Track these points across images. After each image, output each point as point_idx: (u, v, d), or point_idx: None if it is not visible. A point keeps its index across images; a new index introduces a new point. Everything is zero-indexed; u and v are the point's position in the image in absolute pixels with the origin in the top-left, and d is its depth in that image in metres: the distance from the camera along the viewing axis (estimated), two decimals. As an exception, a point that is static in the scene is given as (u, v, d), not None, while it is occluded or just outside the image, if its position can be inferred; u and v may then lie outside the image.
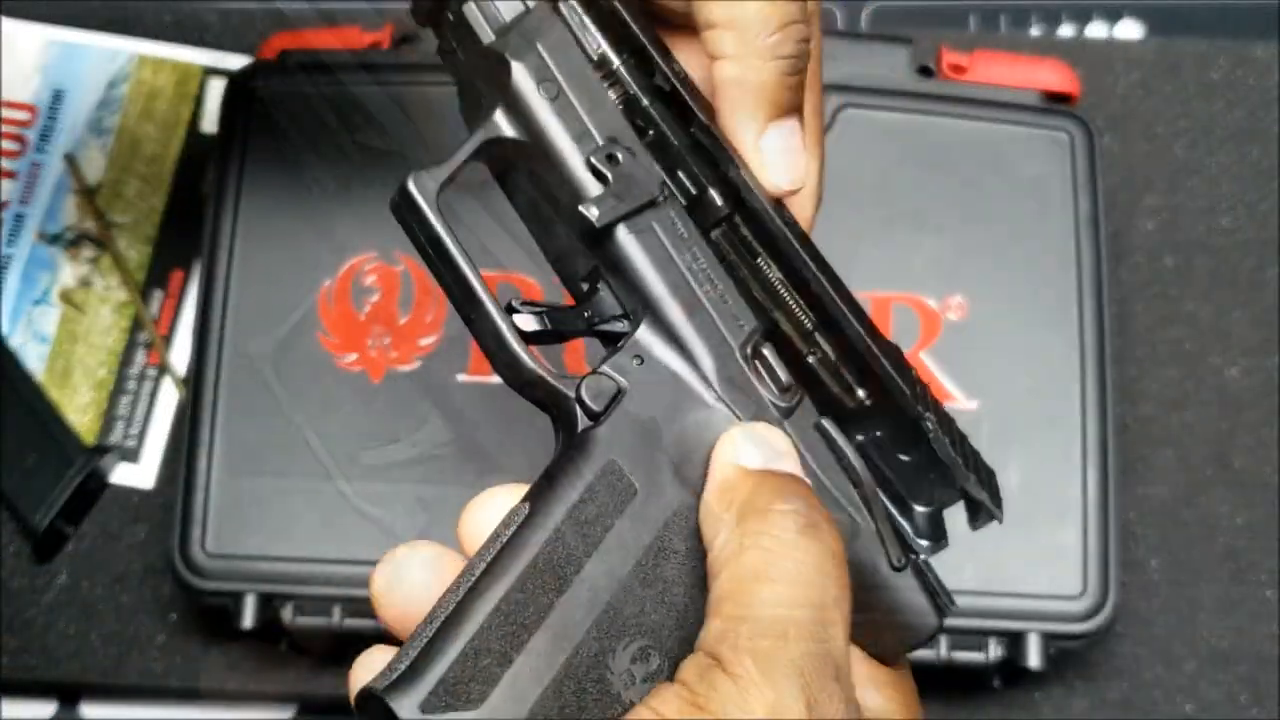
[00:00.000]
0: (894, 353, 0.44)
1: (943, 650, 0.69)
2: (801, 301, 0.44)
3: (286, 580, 0.69)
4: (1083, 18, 0.90)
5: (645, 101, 0.43)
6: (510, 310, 0.41)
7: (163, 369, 0.80)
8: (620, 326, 0.42)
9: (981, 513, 0.44)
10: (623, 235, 0.42)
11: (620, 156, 0.42)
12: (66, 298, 0.80)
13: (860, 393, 0.43)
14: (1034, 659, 0.68)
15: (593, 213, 0.41)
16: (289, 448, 0.70)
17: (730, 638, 0.36)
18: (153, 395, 0.79)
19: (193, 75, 0.85)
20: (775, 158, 0.44)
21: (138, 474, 0.78)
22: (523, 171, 0.43)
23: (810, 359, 0.43)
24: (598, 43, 0.43)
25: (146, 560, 0.76)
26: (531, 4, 0.43)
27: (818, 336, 0.44)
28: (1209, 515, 0.78)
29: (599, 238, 0.42)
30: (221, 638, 0.75)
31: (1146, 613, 0.77)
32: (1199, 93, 0.86)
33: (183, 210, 0.82)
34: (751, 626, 0.36)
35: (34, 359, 0.79)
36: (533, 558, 0.38)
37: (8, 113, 0.83)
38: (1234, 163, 0.84)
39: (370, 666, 0.39)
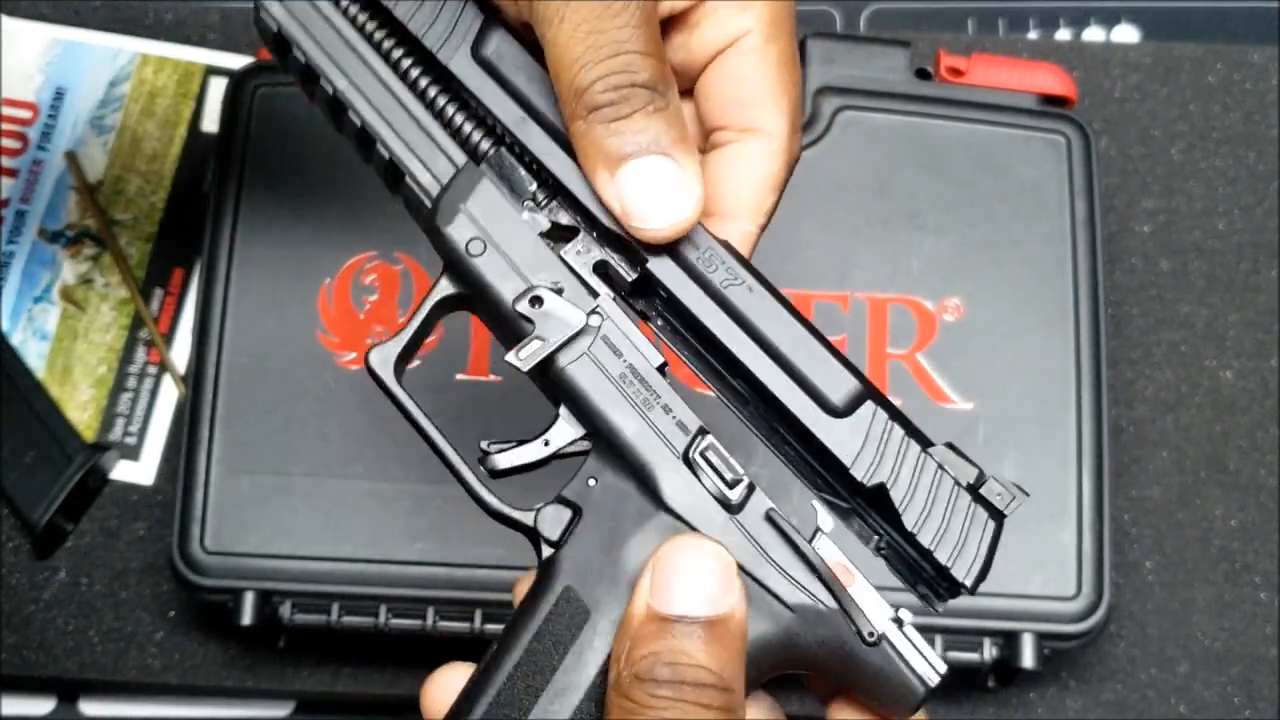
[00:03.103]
0: (854, 403, 0.44)
1: (938, 650, 0.69)
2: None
3: (285, 578, 0.69)
4: (1080, 21, 0.90)
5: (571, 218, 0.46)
6: (484, 454, 0.45)
7: (163, 367, 0.80)
8: (582, 447, 0.45)
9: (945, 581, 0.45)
10: (560, 366, 0.44)
11: (544, 298, 0.44)
12: (67, 295, 0.81)
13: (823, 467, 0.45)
14: (1028, 659, 0.69)
15: (519, 360, 0.44)
16: (288, 446, 0.71)
17: None
18: (153, 393, 0.80)
19: (194, 74, 0.85)
20: (633, 204, 0.43)
21: (137, 471, 0.78)
22: (476, 310, 0.47)
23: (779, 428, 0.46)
24: (531, 183, 0.46)
25: (146, 557, 0.77)
26: (460, 163, 0.46)
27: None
28: (1204, 517, 0.79)
29: (539, 373, 0.44)
30: (220, 635, 0.75)
31: (1141, 614, 0.77)
32: (1195, 96, 0.86)
33: (183, 209, 0.82)
34: None
35: (34, 356, 0.79)
36: (501, 685, 0.42)
37: (9, 111, 0.84)
38: (1230, 166, 0.84)
39: (447, 686, 0.44)
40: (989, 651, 0.69)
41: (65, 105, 0.84)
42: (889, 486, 0.43)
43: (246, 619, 0.69)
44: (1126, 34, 0.90)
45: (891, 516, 0.43)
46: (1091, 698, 0.76)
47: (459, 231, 0.45)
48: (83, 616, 0.76)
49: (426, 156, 0.46)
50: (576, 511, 0.44)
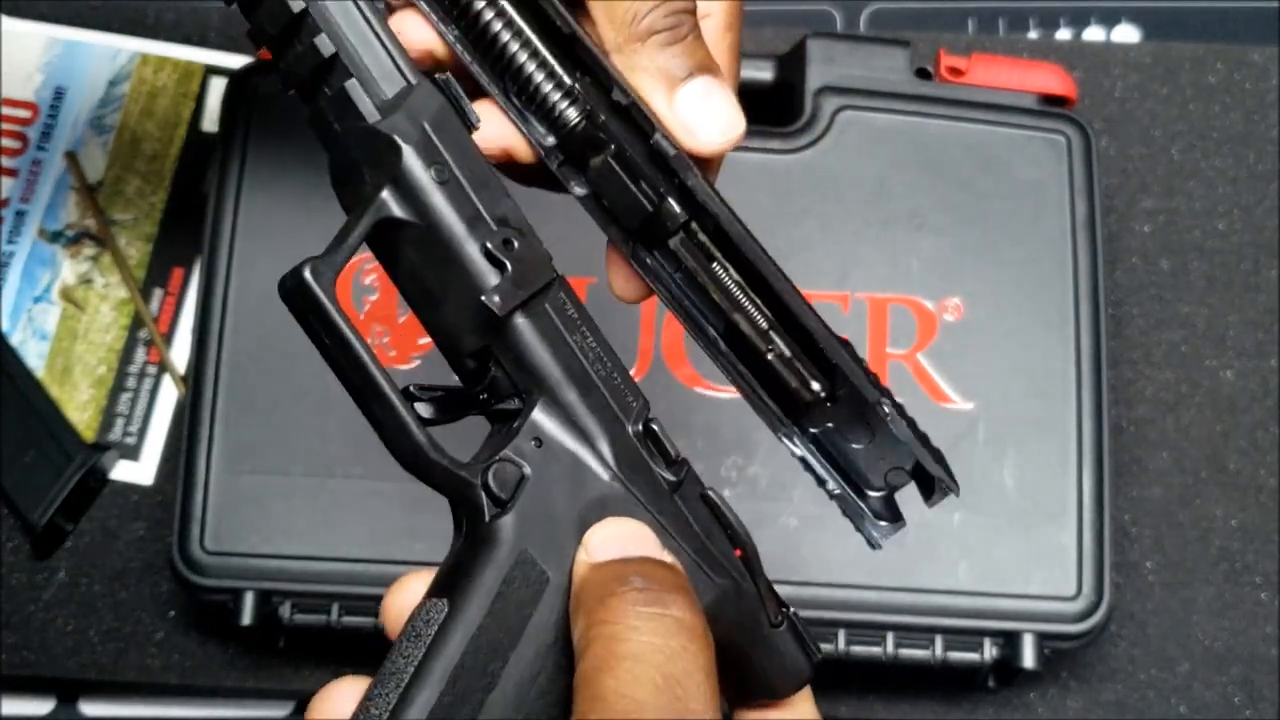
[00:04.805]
0: (847, 346, 0.46)
1: (938, 650, 0.69)
2: (759, 300, 0.45)
3: (285, 578, 0.69)
4: (1080, 21, 0.90)
5: (603, 118, 0.45)
6: (410, 398, 0.40)
7: (162, 367, 0.80)
8: (512, 405, 0.42)
9: (937, 488, 0.46)
10: (518, 320, 0.41)
11: (515, 242, 0.41)
12: (67, 295, 0.81)
13: (816, 386, 0.45)
14: (1029, 660, 0.69)
15: (495, 302, 0.40)
16: (288, 446, 0.71)
17: None
18: (152, 393, 0.80)
19: (194, 74, 0.85)
20: (692, 120, 0.45)
21: (137, 471, 0.78)
22: (406, 249, 0.41)
23: (769, 355, 0.45)
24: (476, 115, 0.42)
25: (145, 557, 0.77)
26: (414, 80, 0.42)
27: (773, 334, 0.46)
28: (1204, 517, 0.79)
29: (495, 323, 0.41)
30: (220, 635, 0.75)
31: (1141, 614, 0.77)
32: (1196, 96, 0.86)
33: (183, 208, 0.82)
34: (600, 715, 0.37)
35: (34, 356, 0.79)
36: (459, 658, 0.39)
37: (9, 110, 0.84)
38: (1230, 166, 0.84)
39: (333, 706, 0.40)
40: (989, 651, 0.69)
41: (65, 105, 0.84)
42: (882, 402, 0.45)
43: (246, 619, 0.69)
44: (1126, 34, 0.90)
45: (883, 430, 0.45)
46: (1091, 698, 0.76)
47: (421, 151, 0.41)
48: (82, 616, 0.76)
49: (375, 61, 0.42)
50: (521, 473, 0.41)
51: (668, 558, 0.42)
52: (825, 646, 0.69)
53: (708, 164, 0.47)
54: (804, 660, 0.45)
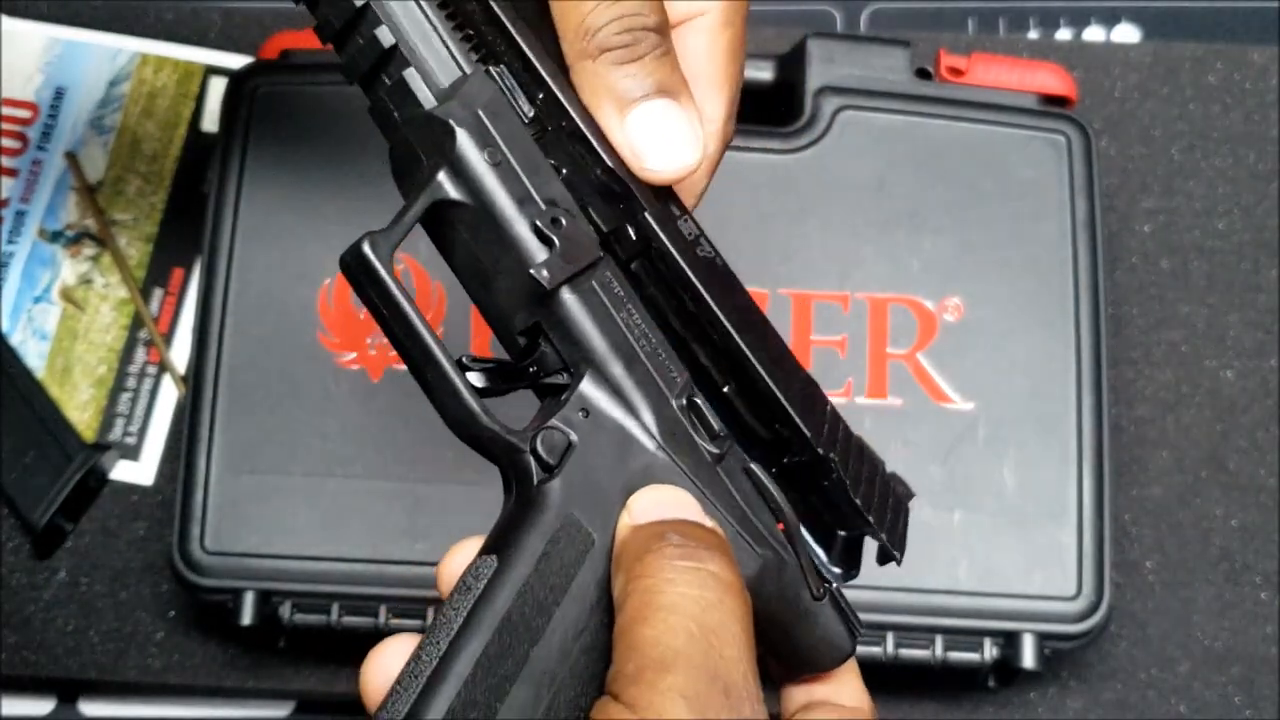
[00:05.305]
0: (804, 388, 0.45)
1: (938, 650, 0.69)
2: (715, 337, 0.45)
3: (285, 578, 0.69)
4: (1080, 21, 0.90)
5: (568, 147, 0.44)
6: (463, 368, 0.42)
7: (163, 367, 0.80)
8: (561, 379, 0.44)
9: (884, 552, 0.46)
10: (566, 295, 0.43)
11: (563, 220, 0.43)
12: (67, 295, 0.81)
13: (776, 426, 0.45)
14: (1029, 660, 0.69)
15: (544, 276, 0.42)
16: (288, 446, 0.71)
17: (620, 678, 0.38)
18: (152, 393, 0.80)
19: (194, 74, 0.85)
20: (641, 145, 0.44)
21: (137, 471, 0.78)
22: (460, 230, 0.43)
23: (726, 390, 0.45)
24: (528, 105, 0.44)
25: (145, 557, 0.77)
26: (468, 70, 0.43)
27: (721, 373, 0.45)
28: (1204, 517, 0.79)
29: (544, 298, 0.43)
30: (220, 635, 0.75)
31: (1141, 614, 0.77)
32: (1196, 96, 0.86)
33: (183, 209, 0.82)
34: (636, 663, 0.38)
35: (34, 356, 0.79)
36: (506, 611, 0.40)
37: (9, 110, 0.84)
38: (1230, 166, 0.84)
39: (385, 663, 0.41)
40: (989, 651, 0.69)
41: (65, 105, 0.84)
42: (835, 460, 0.45)
43: (246, 619, 0.69)
44: (1126, 34, 0.90)
45: (830, 488, 0.45)
46: (1091, 698, 0.76)
47: (475, 135, 0.42)
48: (83, 616, 0.76)
49: (432, 52, 0.43)
50: (569, 441, 0.43)
51: (709, 522, 0.42)
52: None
53: (684, 187, 0.46)
54: (846, 635, 0.46)
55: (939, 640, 0.69)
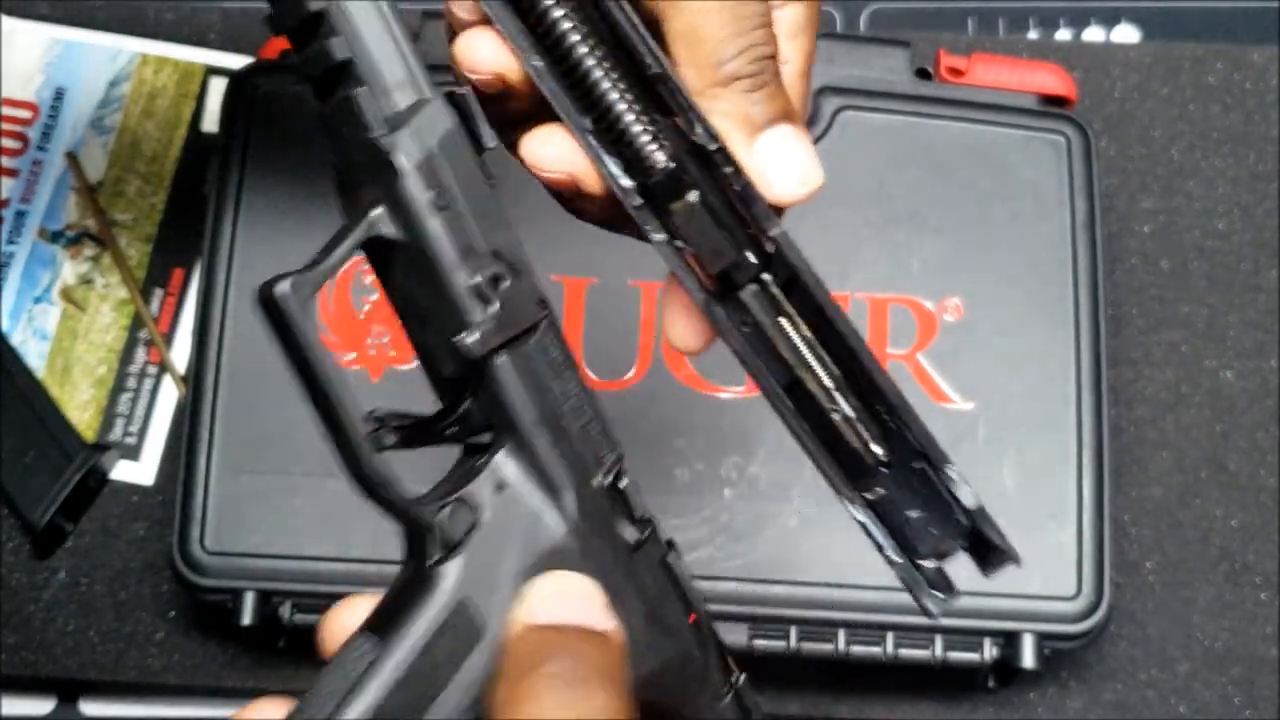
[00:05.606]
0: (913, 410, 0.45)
1: (938, 650, 0.69)
2: (826, 358, 0.44)
3: (285, 578, 0.69)
4: (1080, 21, 0.90)
5: (686, 162, 0.43)
6: (379, 422, 0.39)
7: (163, 367, 0.80)
8: (484, 439, 0.41)
9: (993, 560, 0.45)
10: (498, 360, 0.40)
11: (506, 280, 0.40)
12: (67, 295, 0.81)
13: (877, 449, 0.44)
14: (1029, 660, 0.69)
15: (471, 342, 0.39)
16: (288, 446, 0.71)
17: None
18: (153, 393, 0.80)
19: (194, 74, 0.85)
20: (770, 169, 0.44)
21: (137, 471, 0.78)
22: (396, 268, 0.40)
23: (833, 415, 0.44)
24: (492, 137, 0.41)
25: (146, 557, 0.77)
26: (428, 94, 0.40)
27: (838, 394, 0.44)
28: (1204, 517, 0.79)
29: (472, 361, 0.40)
30: (220, 635, 0.75)
31: (1141, 614, 0.77)
32: (1195, 96, 0.86)
33: (183, 209, 0.82)
34: None
35: (34, 356, 0.79)
36: (380, 704, 0.38)
37: (9, 111, 0.84)
38: (1230, 166, 0.84)
39: (344, 622, 0.40)
40: (989, 651, 0.69)
41: (65, 105, 0.84)
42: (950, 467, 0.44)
43: (246, 619, 0.69)
44: (1126, 34, 0.90)
45: (938, 496, 0.44)
46: (1091, 698, 0.76)
47: (424, 175, 0.38)
48: (83, 616, 0.76)
49: (390, 71, 0.39)
50: (474, 520, 0.40)
51: (610, 623, 0.40)
52: (825, 646, 0.69)
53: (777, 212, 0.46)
54: None
55: (939, 640, 0.69)
